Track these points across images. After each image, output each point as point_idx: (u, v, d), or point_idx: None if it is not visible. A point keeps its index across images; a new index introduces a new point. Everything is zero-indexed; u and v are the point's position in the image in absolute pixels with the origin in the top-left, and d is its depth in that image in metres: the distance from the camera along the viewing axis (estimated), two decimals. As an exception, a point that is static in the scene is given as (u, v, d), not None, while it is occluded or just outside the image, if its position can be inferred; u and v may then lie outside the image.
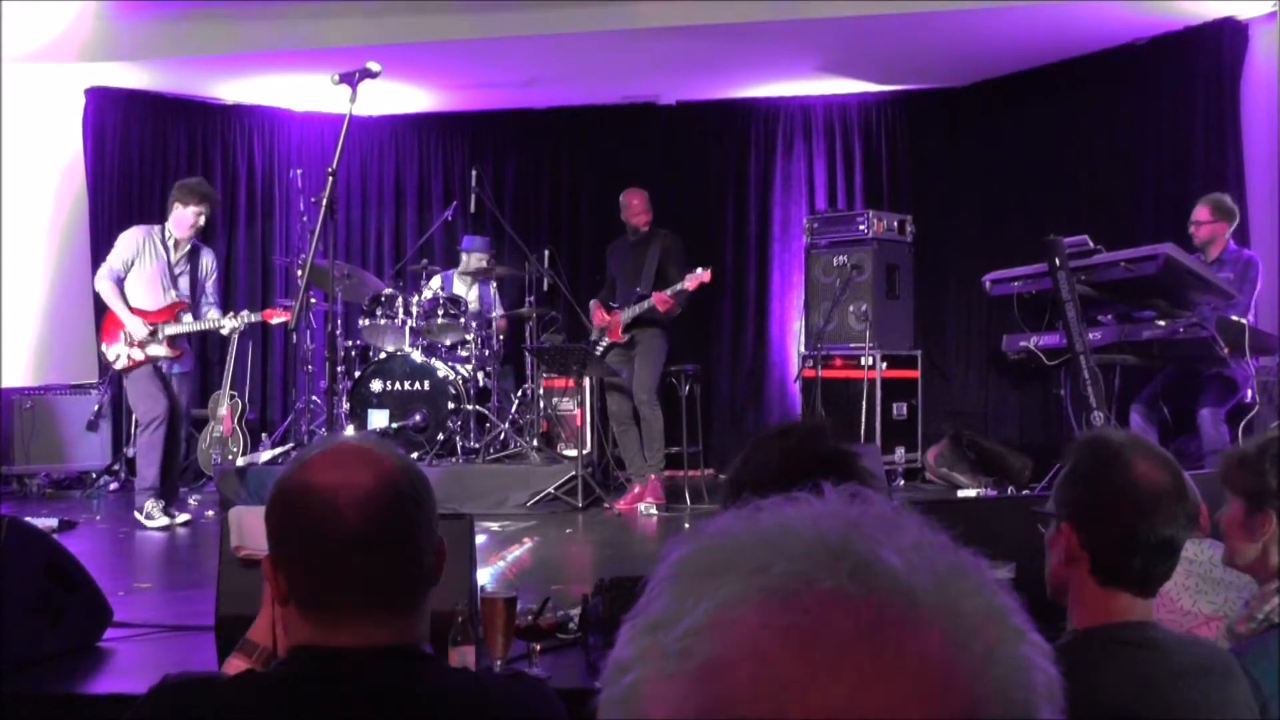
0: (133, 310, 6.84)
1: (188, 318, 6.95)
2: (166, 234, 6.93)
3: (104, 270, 6.94)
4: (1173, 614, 2.69)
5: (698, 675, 0.54)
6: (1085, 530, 1.87)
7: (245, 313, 7.23)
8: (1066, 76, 8.50)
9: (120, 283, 6.88)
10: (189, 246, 7.00)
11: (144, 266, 6.88)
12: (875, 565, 0.55)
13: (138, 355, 6.83)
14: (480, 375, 8.18)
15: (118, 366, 6.93)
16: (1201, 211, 6.79)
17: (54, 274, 9.18)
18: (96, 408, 8.45)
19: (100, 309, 7.73)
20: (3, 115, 8.82)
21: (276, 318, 7.32)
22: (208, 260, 7.14)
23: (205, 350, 8.79)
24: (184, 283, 6.98)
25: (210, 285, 7.13)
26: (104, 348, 7.00)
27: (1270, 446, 2.28)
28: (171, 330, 6.87)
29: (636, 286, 7.62)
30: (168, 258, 6.93)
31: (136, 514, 6.79)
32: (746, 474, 1.92)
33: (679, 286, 7.44)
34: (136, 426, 7.12)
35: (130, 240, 6.92)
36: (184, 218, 6.88)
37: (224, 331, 7.08)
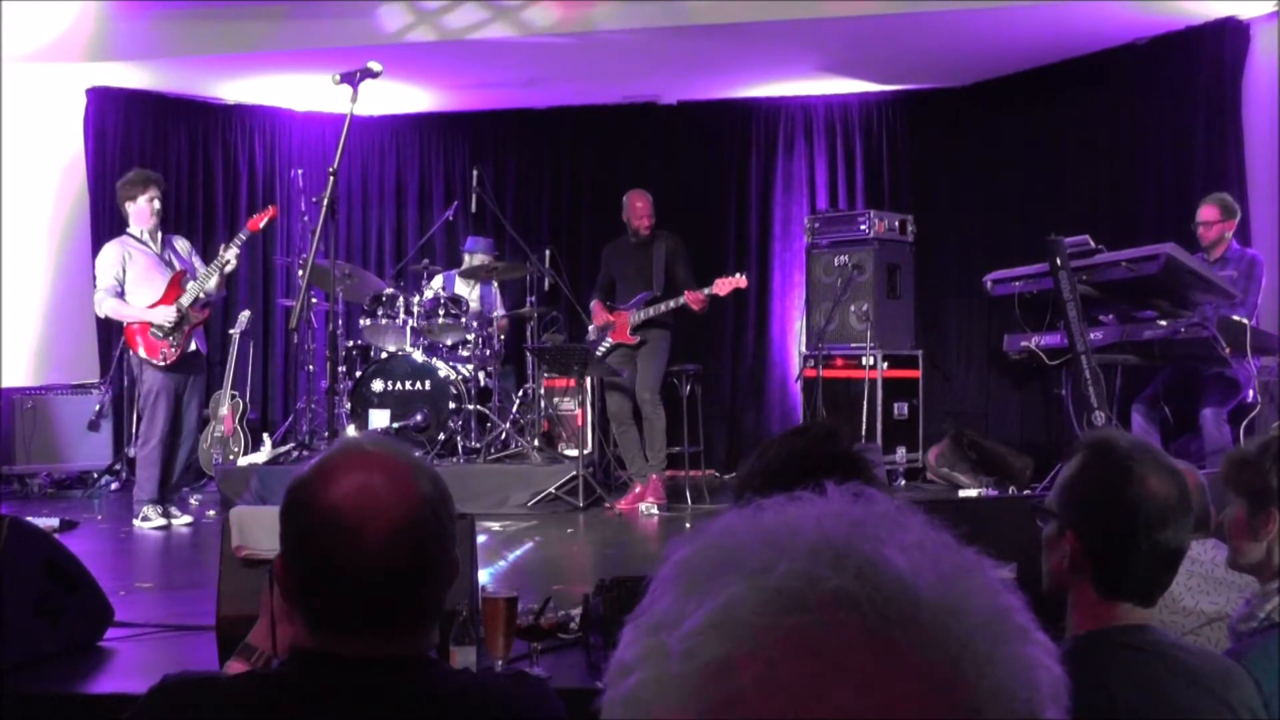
0: (148, 306, 6.82)
1: (191, 283, 6.88)
2: (139, 234, 6.91)
3: (100, 294, 6.87)
4: (1175, 614, 2.68)
5: (702, 676, 0.54)
6: (1089, 540, 1.85)
7: (237, 238, 7.10)
8: (1068, 76, 8.49)
9: (121, 295, 6.84)
10: (160, 236, 6.97)
11: (135, 267, 6.86)
12: (879, 565, 0.55)
13: (176, 341, 6.79)
14: (481, 375, 8.18)
15: (163, 364, 6.79)
16: (1210, 211, 6.76)
17: (55, 274, 9.18)
18: (97, 407, 8.45)
19: (102, 325, 7.71)
20: (4, 115, 8.83)
21: (263, 220, 7.18)
22: (183, 243, 7.16)
23: (208, 350, 8.84)
24: (175, 264, 6.97)
25: (196, 262, 7.08)
26: (142, 355, 6.82)
27: (1271, 446, 2.27)
28: (187, 299, 6.82)
29: (644, 288, 7.61)
30: (152, 250, 6.92)
31: (135, 520, 6.80)
32: (755, 471, 1.91)
33: (709, 290, 7.45)
34: (138, 430, 7.08)
35: (111, 254, 6.89)
36: (141, 211, 6.85)
37: (229, 267, 6.91)
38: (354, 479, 1.46)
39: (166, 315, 6.77)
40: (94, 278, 7.00)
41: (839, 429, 1.94)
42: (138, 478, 6.95)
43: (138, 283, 6.87)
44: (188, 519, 6.95)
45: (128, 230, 6.94)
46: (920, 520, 0.59)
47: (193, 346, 6.92)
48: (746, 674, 0.53)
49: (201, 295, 6.87)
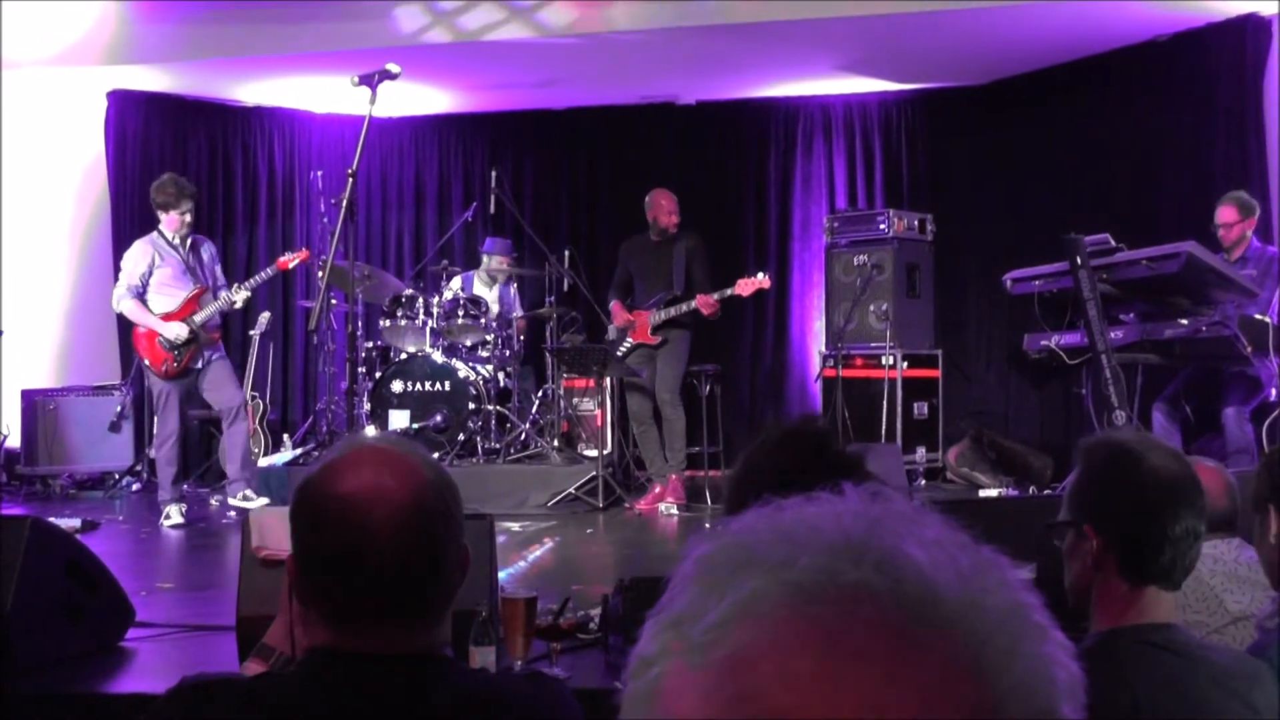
0: (163, 317, 6.93)
1: (210, 304, 7.04)
2: (170, 237, 7.03)
3: (121, 290, 7.00)
4: (1199, 614, 2.66)
5: (722, 669, 0.54)
6: (1109, 531, 1.86)
7: (255, 277, 7.40)
8: (1088, 74, 8.45)
9: (141, 296, 6.97)
10: (189, 241, 7.11)
11: (162, 271, 6.99)
12: (899, 559, 0.55)
13: (180, 357, 6.93)
14: (501, 376, 8.19)
15: (164, 373, 6.97)
16: (1228, 213, 6.71)
17: (76, 276, 9.24)
18: (119, 409, 8.50)
19: (123, 326, 7.80)
20: (24, 118, 8.89)
21: (293, 261, 7.45)
22: (208, 250, 7.27)
23: (227, 351, 8.87)
24: (199, 274, 7.11)
25: (218, 270, 7.28)
26: (145, 363, 7.04)
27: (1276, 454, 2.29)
28: (200, 318, 6.96)
29: (664, 287, 7.61)
30: (179, 255, 7.05)
31: (161, 520, 6.89)
32: (746, 480, 1.90)
33: (729, 291, 7.44)
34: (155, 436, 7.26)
35: (140, 253, 7.02)
36: (171, 220, 6.99)
37: (237, 304, 7.15)
38: (360, 473, 1.47)
39: (178, 333, 6.91)
40: (117, 271, 7.13)
41: (818, 440, 1.90)
42: (159, 478, 7.08)
43: (159, 288, 7.00)
44: (264, 501, 6.97)
45: (159, 229, 7.06)
46: (937, 519, 0.59)
47: (199, 363, 7.02)
48: (767, 666, 0.53)
49: (215, 315, 7.06)
